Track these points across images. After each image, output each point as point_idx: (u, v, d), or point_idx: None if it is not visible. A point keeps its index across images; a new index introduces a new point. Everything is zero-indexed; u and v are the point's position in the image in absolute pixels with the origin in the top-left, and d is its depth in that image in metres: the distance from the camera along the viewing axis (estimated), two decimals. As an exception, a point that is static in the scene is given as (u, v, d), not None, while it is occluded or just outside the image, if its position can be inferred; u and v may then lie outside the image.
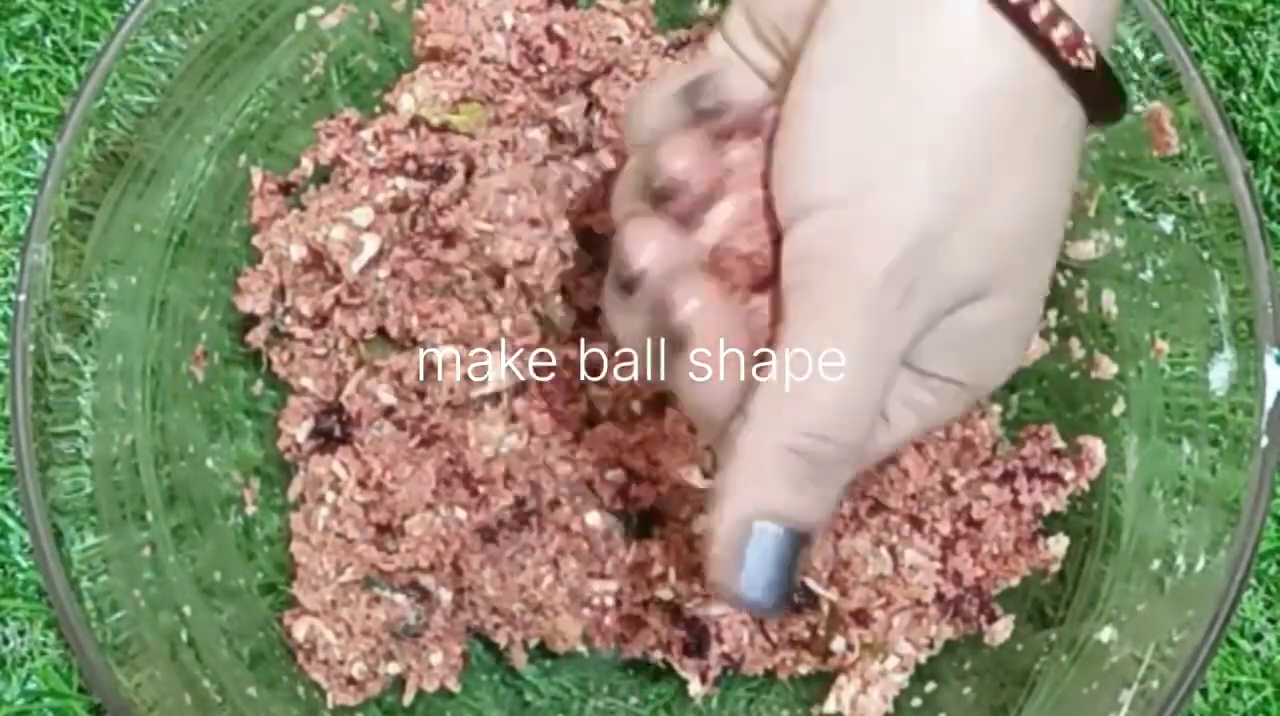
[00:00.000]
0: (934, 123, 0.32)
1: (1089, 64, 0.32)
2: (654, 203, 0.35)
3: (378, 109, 0.54)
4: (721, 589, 0.34)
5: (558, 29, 0.52)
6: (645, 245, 0.35)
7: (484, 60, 0.52)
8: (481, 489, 0.50)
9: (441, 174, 0.52)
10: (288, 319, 0.53)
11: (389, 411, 0.52)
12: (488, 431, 0.50)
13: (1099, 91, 0.33)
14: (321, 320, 0.53)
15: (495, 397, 0.51)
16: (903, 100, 0.32)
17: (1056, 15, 0.32)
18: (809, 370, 0.33)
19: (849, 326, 0.32)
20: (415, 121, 0.52)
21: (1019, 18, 0.31)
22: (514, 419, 0.51)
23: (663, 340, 0.35)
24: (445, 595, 0.51)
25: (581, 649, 0.52)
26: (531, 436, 0.51)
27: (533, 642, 0.52)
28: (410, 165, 0.52)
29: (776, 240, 0.35)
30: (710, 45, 0.38)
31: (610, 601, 0.51)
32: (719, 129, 0.36)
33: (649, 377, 0.36)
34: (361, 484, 0.51)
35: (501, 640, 0.52)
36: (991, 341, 0.35)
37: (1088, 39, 0.32)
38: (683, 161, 0.35)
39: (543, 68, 0.53)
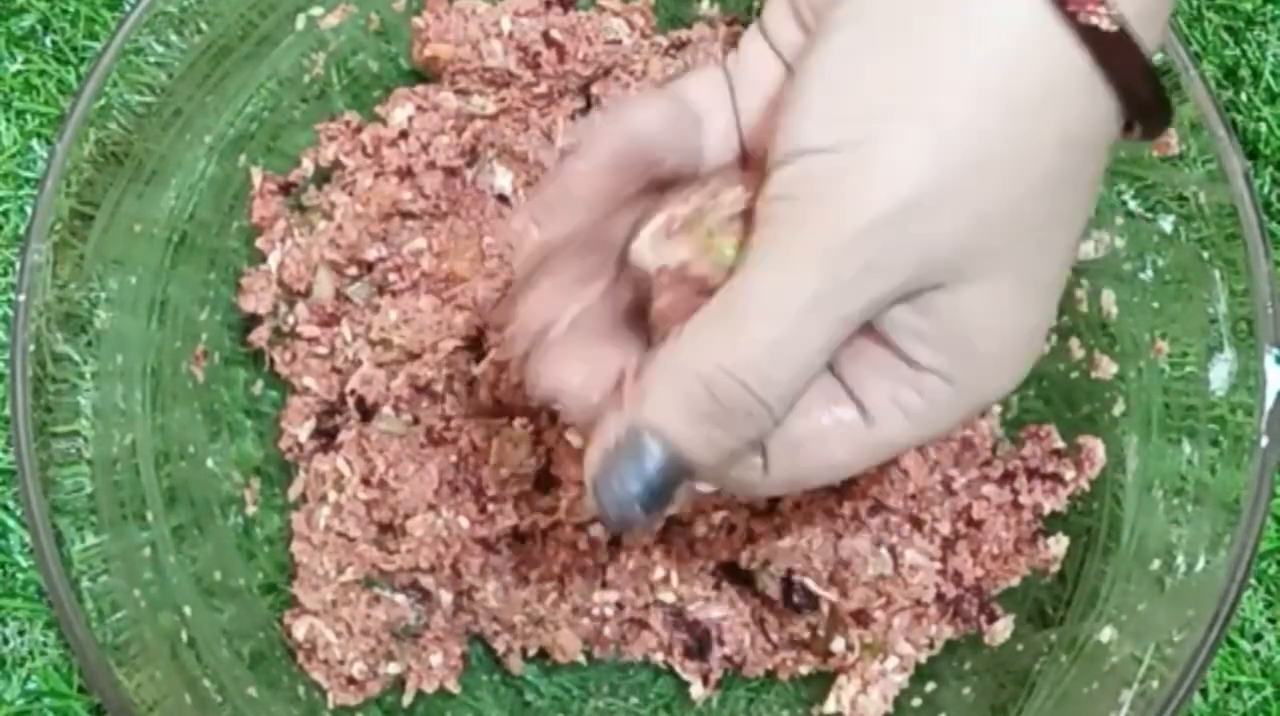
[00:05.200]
0: (948, 86, 0.30)
1: (1102, 23, 0.30)
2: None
3: (379, 110, 0.54)
4: (588, 483, 0.33)
5: (555, 34, 0.52)
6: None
7: (484, 69, 0.52)
8: (490, 507, 0.50)
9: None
10: (291, 318, 0.53)
11: (399, 402, 0.52)
12: (511, 453, 0.50)
13: (1138, 86, 0.32)
14: (330, 318, 0.53)
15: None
16: (918, 58, 0.31)
17: None
18: (750, 306, 0.31)
19: (803, 274, 0.31)
20: (405, 134, 0.53)
21: None
22: (538, 442, 0.51)
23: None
24: (446, 596, 0.51)
25: (581, 658, 0.52)
26: (550, 463, 0.50)
27: (532, 651, 0.53)
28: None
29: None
30: (742, 46, 0.37)
31: (610, 611, 0.51)
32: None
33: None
34: (365, 481, 0.51)
35: (500, 647, 0.52)
36: (980, 334, 0.33)
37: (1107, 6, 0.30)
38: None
39: (540, 72, 0.53)
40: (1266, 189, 0.60)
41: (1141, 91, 0.32)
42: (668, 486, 0.33)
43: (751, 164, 0.38)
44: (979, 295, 0.32)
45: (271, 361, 0.54)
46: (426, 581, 0.51)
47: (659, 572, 0.50)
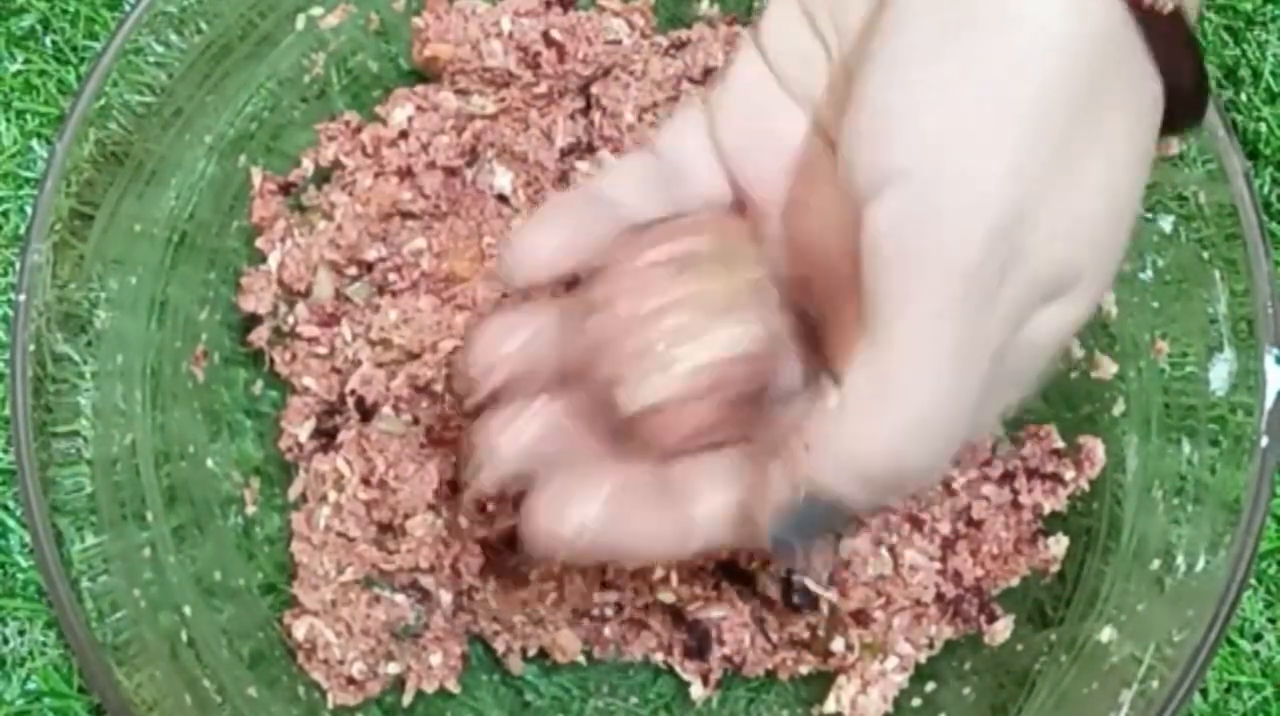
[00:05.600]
0: (1018, 86, 0.30)
1: (1165, 4, 0.30)
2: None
3: (379, 110, 0.54)
4: (768, 532, 0.34)
5: (555, 34, 0.52)
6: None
7: (484, 69, 0.52)
8: (490, 507, 0.50)
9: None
10: (291, 318, 0.53)
11: (399, 402, 0.52)
12: None
13: (1183, 73, 0.31)
14: (330, 318, 0.53)
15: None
16: (984, 61, 0.30)
17: None
18: (901, 372, 0.30)
19: (943, 322, 0.30)
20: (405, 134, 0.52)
21: None
22: None
23: None
24: (445, 596, 0.51)
25: (580, 659, 0.52)
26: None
27: (532, 651, 0.52)
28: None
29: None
30: (732, 71, 0.37)
31: (610, 611, 0.51)
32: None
33: None
34: (365, 481, 0.51)
35: (500, 646, 0.52)
36: (1032, 349, 0.33)
37: None
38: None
39: (540, 72, 0.53)
40: (1266, 189, 0.60)
41: (1185, 79, 0.32)
42: (837, 518, 0.33)
43: (741, 199, 0.38)
44: (1064, 309, 0.32)
45: (271, 361, 0.54)
46: (426, 581, 0.51)
47: (659, 572, 0.50)
